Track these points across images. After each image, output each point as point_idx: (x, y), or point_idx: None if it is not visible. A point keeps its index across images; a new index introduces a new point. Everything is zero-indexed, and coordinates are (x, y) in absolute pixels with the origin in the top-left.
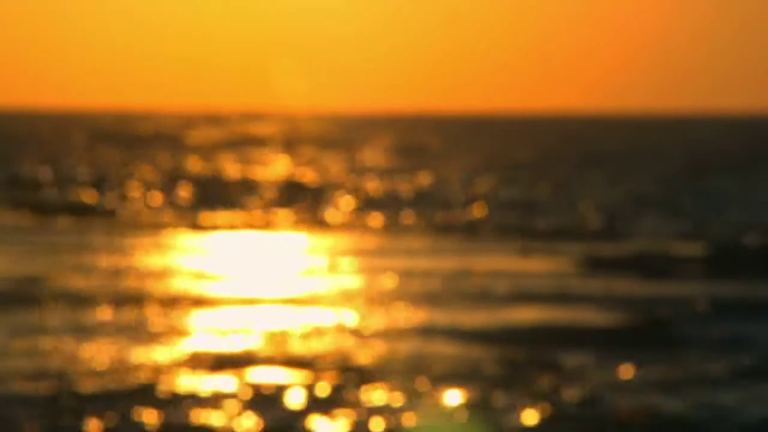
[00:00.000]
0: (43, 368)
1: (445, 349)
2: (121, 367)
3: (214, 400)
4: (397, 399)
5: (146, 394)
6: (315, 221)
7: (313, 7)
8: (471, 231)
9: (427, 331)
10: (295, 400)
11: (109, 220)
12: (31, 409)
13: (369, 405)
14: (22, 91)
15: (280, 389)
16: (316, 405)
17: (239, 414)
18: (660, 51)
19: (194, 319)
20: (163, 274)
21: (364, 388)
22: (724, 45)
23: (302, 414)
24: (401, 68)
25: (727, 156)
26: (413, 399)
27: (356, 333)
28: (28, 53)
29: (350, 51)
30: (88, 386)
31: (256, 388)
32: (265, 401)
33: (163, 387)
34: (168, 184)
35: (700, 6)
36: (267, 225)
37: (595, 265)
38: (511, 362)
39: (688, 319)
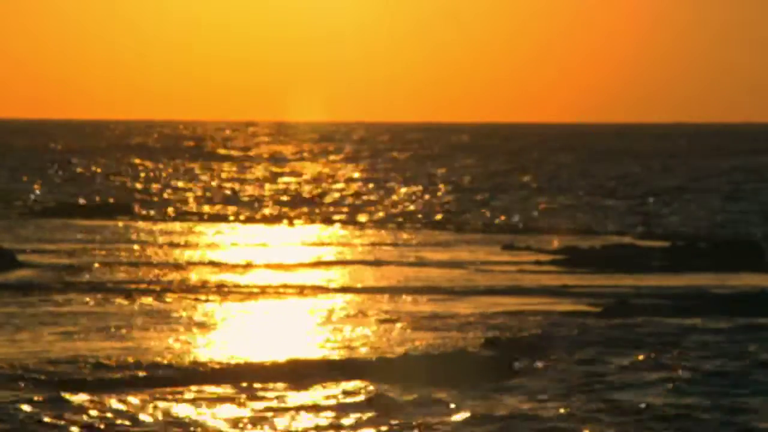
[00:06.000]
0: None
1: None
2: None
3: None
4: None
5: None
6: (319, 218)
7: (325, 28)
8: (461, 227)
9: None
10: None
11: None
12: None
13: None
14: (58, 105)
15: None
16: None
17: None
18: (638, 66)
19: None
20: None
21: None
22: (700, 59)
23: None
24: (403, 84)
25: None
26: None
27: (355, 317)
28: (63, 67)
29: (353, 68)
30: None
31: None
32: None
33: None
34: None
35: (678, 20)
36: (280, 220)
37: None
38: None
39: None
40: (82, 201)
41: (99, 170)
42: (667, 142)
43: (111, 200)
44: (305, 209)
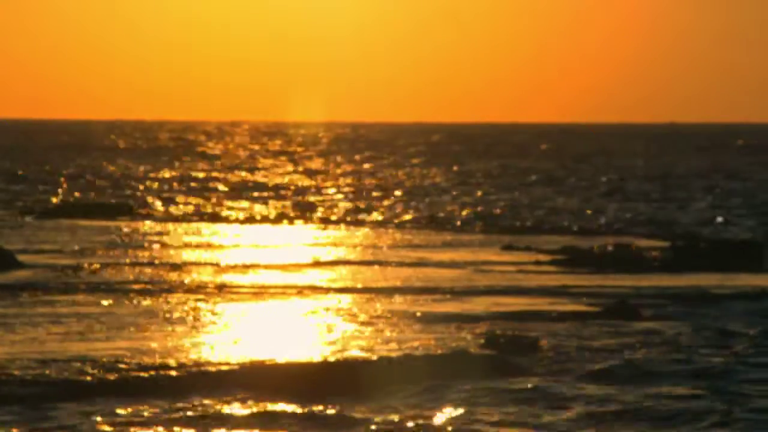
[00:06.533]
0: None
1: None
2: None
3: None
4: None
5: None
6: (319, 217)
7: (325, 28)
8: (460, 227)
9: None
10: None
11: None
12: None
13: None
14: (56, 104)
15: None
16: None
17: None
18: (638, 66)
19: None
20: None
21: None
22: (700, 59)
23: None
24: (401, 84)
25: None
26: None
27: (356, 317)
28: (63, 67)
29: (354, 68)
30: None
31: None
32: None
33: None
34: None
35: (678, 20)
36: (277, 219)
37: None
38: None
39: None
40: (82, 201)
41: (99, 170)
42: (665, 141)
43: (111, 200)
44: (305, 209)
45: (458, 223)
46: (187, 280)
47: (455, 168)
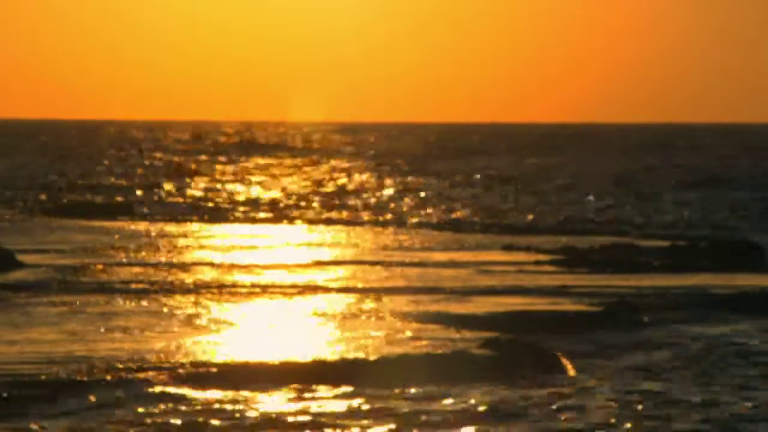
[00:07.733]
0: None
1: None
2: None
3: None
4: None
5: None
6: (319, 218)
7: (325, 28)
8: (458, 227)
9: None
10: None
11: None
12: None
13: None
14: (54, 103)
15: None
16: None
17: None
18: (638, 66)
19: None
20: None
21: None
22: (700, 59)
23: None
24: (400, 84)
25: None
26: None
27: (355, 317)
28: (63, 67)
29: (355, 68)
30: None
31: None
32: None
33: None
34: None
35: (678, 19)
36: (283, 220)
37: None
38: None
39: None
40: (82, 201)
41: (99, 170)
42: (664, 141)
43: (112, 200)
44: (305, 209)
45: (458, 223)
46: (187, 280)
47: (456, 167)
